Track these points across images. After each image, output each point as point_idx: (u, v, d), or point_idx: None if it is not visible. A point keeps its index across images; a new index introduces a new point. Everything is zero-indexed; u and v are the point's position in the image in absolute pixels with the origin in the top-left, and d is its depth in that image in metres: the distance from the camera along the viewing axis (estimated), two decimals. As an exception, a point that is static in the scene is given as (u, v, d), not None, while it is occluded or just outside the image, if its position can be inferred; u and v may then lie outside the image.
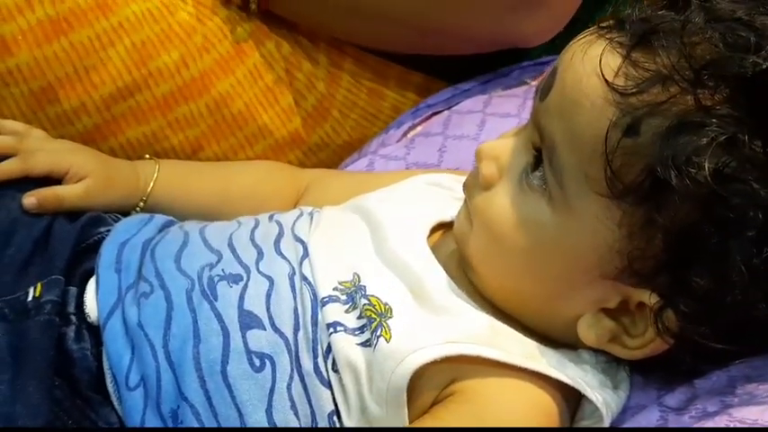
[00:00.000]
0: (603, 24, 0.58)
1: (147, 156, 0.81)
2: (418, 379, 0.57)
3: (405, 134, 0.87)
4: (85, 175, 0.73)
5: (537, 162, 0.58)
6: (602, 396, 0.58)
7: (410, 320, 0.59)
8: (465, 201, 0.63)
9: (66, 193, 0.72)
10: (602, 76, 0.54)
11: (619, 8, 0.71)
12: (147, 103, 0.84)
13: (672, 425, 0.57)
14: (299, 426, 0.59)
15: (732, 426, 0.55)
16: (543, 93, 0.59)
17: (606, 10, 0.96)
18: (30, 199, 0.70)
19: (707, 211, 0.52)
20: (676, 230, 0.53)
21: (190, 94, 0.85)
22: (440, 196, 0.70)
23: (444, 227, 0.67)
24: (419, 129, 0.87)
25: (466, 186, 0.63)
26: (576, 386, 0.58)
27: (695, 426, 0.55)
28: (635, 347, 0.58)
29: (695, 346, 0.55)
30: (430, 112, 0.88)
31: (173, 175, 0.78)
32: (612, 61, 0.54)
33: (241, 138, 0.88)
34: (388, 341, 0.58)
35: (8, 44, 0.80)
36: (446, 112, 0.86)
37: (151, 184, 0.76)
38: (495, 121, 0.82)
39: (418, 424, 0.58)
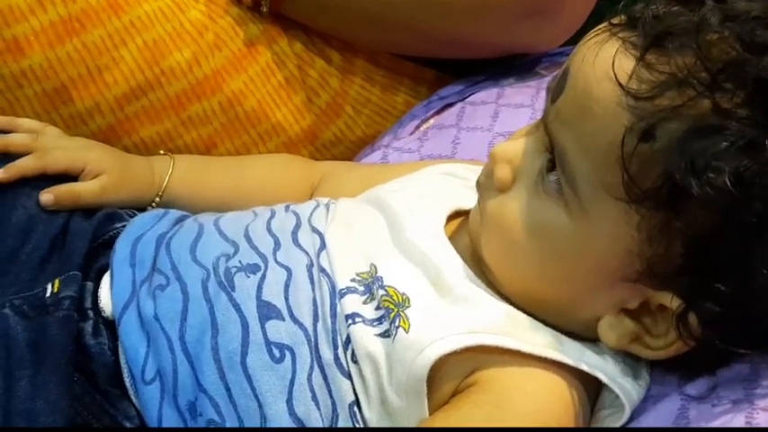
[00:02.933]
0: (615, 22, 0.56)
1: (162, 151, 0.81)
2: (438, 369, 0.57)
3: (418, 127, 0.87)
4: (101, 172, 0.73)
5: (552, 165, 0.57)
6: (623, 385, 0.58)
7: (429, 310, 0.59)
8: (478, 201, 0.62)
9: (83, 190, 0.72)
10: (616, 79, 0.53)
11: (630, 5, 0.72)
12: (159, 102, 0.84)
13: (693, 413, 0.56)
14: (320, 417, 0.59)
15: (755, 414, 0.54)
16: (554, 95, 0.58)
17: (617, 12, 0.96)
18: (47, 196, 0.70)
19: (727, 216, 0.51)
20: (696, 235, 0.52)
21: (202, 93, 0.85)
22: (455, 185, 0.70)
23: (461, 215, 0.66)
24: (432, 121, 0.87)
25: (479, 186, 0.63)
26: (597, 375, 0.57)
27: (716, 407, 0.55)
28: (658, 348, 0.57)
29: (717, 348, 0.54)
30: (442, 105, 0.88)
31: (188, 169, 0.78)
32: (626, 64, 0.53)
33: (254, 135, 0.88)
34: (407, 331, 0.58)
35: (21, 45, 0.80)
36: (459, 103, 0.86)
37: (166, 179, 0.76)
38: (508, 112, 0.82)
39: (440, 414, 0.57)
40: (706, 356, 0.56)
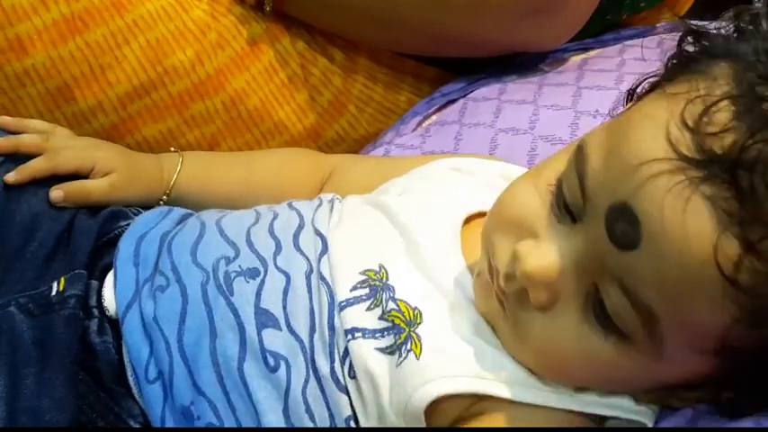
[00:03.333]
0: (687, 154, 0.47)
1: (172, 149, 0.81)
2: (441, 401, 0.56)
3: (420, 123, 0.87)
4: (111, 170, 0.73)
5: (599, 296, 0.52)
6: (643, 411, 0.57)
7: (440, 337, 0.57)
8: (500, 303, 0.56)
9: (93, 187, 0.72)
10: (721, 269, 0.46)
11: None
12: (162, 100, 0.84)
13: (703, 423, 0.56)
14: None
15: (763, 419, 0.54)
16: (619, 239, 0.49)
17: (619, 10, 0.96)
18: (56, 192, 0.70)
19: None
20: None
21: (205, 92, 0.85)
22: (463, 182, 0.68)
23: (471, 219, 0.64)
24: (434, 117, 0.87)
25: (502, 294, 0.56)
26: (617, 415, 0.56)
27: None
28: (689, 400, 0.56)
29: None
30: (444, 101, 0.88)
31: (196, 166, 0.77)
32: (729, 249, 0.46)
33: (257, 134, 0.88)
34: (417, 357, 0.56)
35: (24, 44, 0.80)
36: (461, 100, 0.86)
37: (175, 176, 0.76)
38: (510, 108, 0.82)
39: None
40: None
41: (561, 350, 0.53)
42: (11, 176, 0.70)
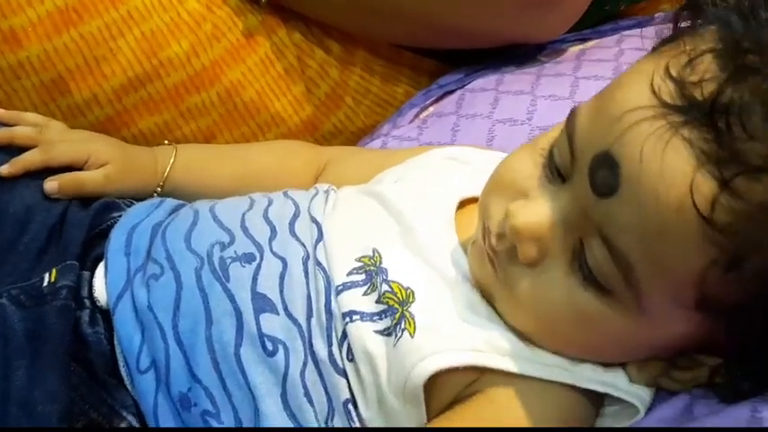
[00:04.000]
0: (668, 100, 0.48)
1: (167, 141, 0.81)
2: (438, 377, 0.56)
3: (417, 115, 0.87)
4: (105, 162, 0.73)
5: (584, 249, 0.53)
6: (635, 392, 0.57)
7: (435, 314, 0.57)
8: (491, 262, 0.57)
9: (88, 179, 0.72)
10: (697, 208, 0.47)
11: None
12: (158, 93, 0.84)
13: (699, 409, 0.56)
14: (314, 413, 0.58)
15: (758, 407, 0.53)
16: (599, 187, 0.50)
17: (617, 1, 0.96)
18: (51, 183, 0.70)
19: None
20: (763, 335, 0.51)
21: (201, 84, 0.85)
22: (458, 171, 0.68)
23: (466, 203, 0.64)
24: (431, 109, 0.86)
25: (492, 252, 0.57)
26: (609, 392, 0.56)
27: (720, 403, 0.54)
28: (684, 381, 0.56)
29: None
30: (442, 92, 0.87)
31: (190, 157, 0.77)
32: (706, 188, 0.46)
33: (253, 126, 0.88)
34: (412, 335, 0.56)
35: (18, 36, 0.80)
36: (458, 91, 0.86)
37: (168, 168, 0.76)
38: (508, 99, 0.81)
39: (435, 424, 0.56)
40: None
41: (550, 306, 0.54)
42: (4, 168, 0.70)
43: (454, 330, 0.57)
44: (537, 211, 0.54)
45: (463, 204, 0.65)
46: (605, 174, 0.50)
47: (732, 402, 0.54)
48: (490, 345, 0.56)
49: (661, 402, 0.57)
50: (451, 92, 0.87)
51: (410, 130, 0.84)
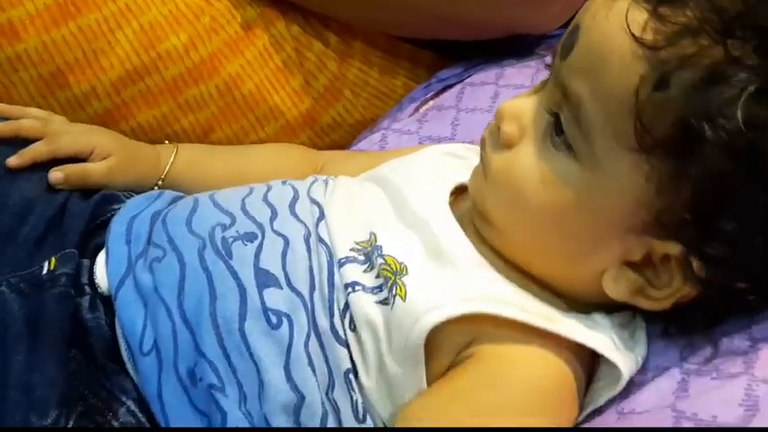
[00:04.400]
0: None
1: (167, 141, 0.82)
2: (436, 337, 0.57)
3: (417, 108, 0.87)
4: (110, 154, 0.74)
5: (559, 122, 0.58)
6: (618, 356, 0.58)
7: (426, 279, 0.59)
8: (481, 158, 0.63)
9: (92, 170, 0.73)
10: (630, 31, 0.54)
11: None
12: (156, 86, 0.84)
13: (693, 386, 0.56)
14: (316, 383, 0.59)
15: (754, 386, 0.54)
16: (564, 51, 0.58)
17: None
18: (56, 174, 0.71)
19: (738, 160, 0.52)
20: (705, 179, 0.53)
21: (199, 76, 0.85)
22: (455, 164, 0.70)
23: (462, 190, 0.66)
24: (431, 103, 0.87)
25: (482, 143, 0.63)
26: (592, 347, 0.58)
27: (715, 380, 0.55)
28: (661, 298, 0.58)
29: (721, 292, 0.56)
30: (442, 86, 0.87)
31: (191, 155, 0.79)
32: (639, 16, 0.54)
33: (252, 119, 0.88)
34: (403, 299, 0.58)
35: (16, 29, 0.80)
36: (458, 85, 0.86)
37: (170, 162, 0.77)
38: (508, 93, 0.82)
39: (437, 386, 0.58)
40: (709, 306, 0.57)
41: (521, 175, 0.59)
42: (12, 160, 0.71)
43: (442, 287, 0.59)
44: (521, 99, 0.61)
45: (459, 192, 0.66)
46: (570, 39, 0.58)
47: (719, 322, 0.57)
48: (479, 295, 0.58)
49: (653, 379, 0.58)
50: (451, 86, 0.87)
51: (410, 124, 0.84)
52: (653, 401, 0.56)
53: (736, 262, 0.54)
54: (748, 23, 0.53)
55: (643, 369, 0.59)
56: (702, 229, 0.54)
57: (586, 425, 0.58)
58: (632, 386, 0.58)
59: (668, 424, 0.54)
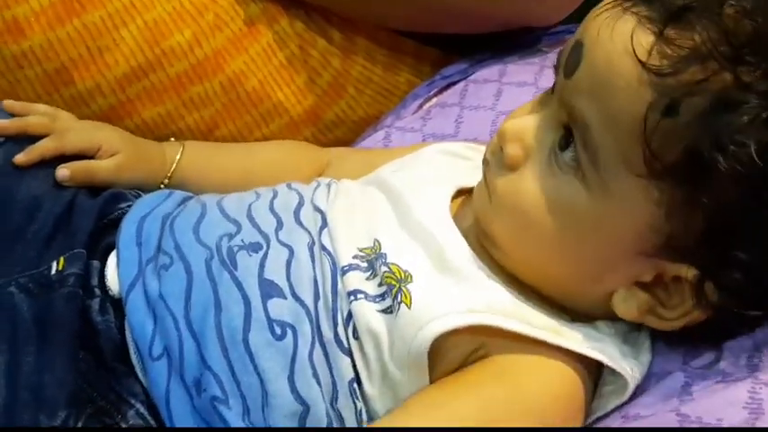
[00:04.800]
0: None
1: (173, 139, 0.82)
2: (441, 345, 0.57)
3: (420, 106, 0.87)
4: (117, 151, 0.74)
5: (566, 140, 0.57)
6: (623, 366, 0.58)
7: (431, 287, 0.59)
8: (484, 178, 0.62)
9: (99, 167, 0.73)
10: (636, 55, 0.52)
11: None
12: (161, 83, 0.84)
13: (696, 390, 0.56)
14: (321, 393, 0.59)
15: (758, 388, 0.54)
16: (568, 69, 0.57)
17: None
18: (62, 171, 0.71)
19: (751, 189, 0.52)
20: (718, 208, 0.52)
21: (204, 73, 0.85)
22: (456, 164, 0.69)
23: (463, 194, 0.66)
24: (435, 100, 0.87)
25: (485, 164, 0.62)
26: (598, 358, 0.57)
27: (719, 383, 0.55)
28: (672, 319, 0.57)
29: (732, 318, 0.55)
30: (445, 84, 0.87)
31: (196, 154, 0.79)
32: (644, 39, 0.53)
33: (256, 116, 0.88)
34: (409, 307, 0.58)
35: (21, 26, 0.80)
36: (462, 82, 0.86)
37: (176, 161, 0.77)
38: (511, 91, 0.82)
39: (440, 381, 0.58)
40: (717, 326, 0.56)
41: (528, 200, 0.58)
42: (20, 157, 0.71)
43: (448, 296, 0.59)
44: (523, 118, 0.60)
45: (460, 194, 0.66)
46: (573, 56, 0.57)
47: (724, 340, 0.56)
48: (486, 305, 0.58)
49: (657, 382, 0.58)
50: (455, 83, 0.87)
51: (413, 121, 0.84)
52: (657, 405, 0.56)
53: (749, 290, 0.54)
54: (758, 48, 0.51)
55: (647, 372, 0.59)
56: (715, 254, 0.53)
57: (592, 428, 0.59)
58: (636, 390, 0.58)
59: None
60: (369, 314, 0.59)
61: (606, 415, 0.58)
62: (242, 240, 0.63)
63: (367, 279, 0.61)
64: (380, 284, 0.60)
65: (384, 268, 0.60)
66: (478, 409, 0.56)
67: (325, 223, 0.64)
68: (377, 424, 0.59)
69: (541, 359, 0.57)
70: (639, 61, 0.52)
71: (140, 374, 0.62)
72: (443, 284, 0.59)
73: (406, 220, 0.63)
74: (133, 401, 0.61)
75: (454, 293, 0.59)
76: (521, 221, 0.58)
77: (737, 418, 0.53)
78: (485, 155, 0.62)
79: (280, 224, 0.65)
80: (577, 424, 0.58)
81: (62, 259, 0.65)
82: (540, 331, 0.57)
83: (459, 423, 0.55)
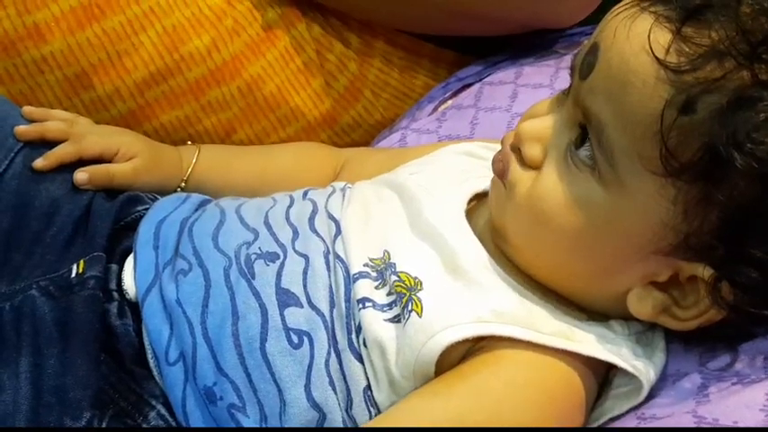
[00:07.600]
0: None
1: (189, 142, 0.83)
2: (449, 353, 0.57)
3: (436, 108, 0.87)
4: (135, 155, 0.75)
5: (583, 138, 0.57)
6: (638, 366, 0.58)
7: (442, 294, 0.59)
8: (503, 174, 0.61)
9: (117, 171, 0.74)
10: (653, 53, 0.53)
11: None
12: (179, 87, 0.85)
13: (713, 391, 0.56)
14: (337, 401, 0.59)
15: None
16: (584, 71, 0.57)
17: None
18: (81, 175, 0.72)
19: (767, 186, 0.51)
20: (734, 206, 0.52)
21: (222, 78, 0.86)
22: (472, 165, 0.69)
23: (479, 197, 0.66)
24: (450, 102, 0.87)
25: (500, 165, 0.62)
26: (616, 362, 0.57)
27: (735, 385, 0.55)
28: (687, 319, 0.57)
29: (748, 318, 0.55)
30: (461, 86, 0.87)
31: (213, 156, 0.79)
32: (662, 37, 0.53)
33: (273, 120, 0.88)
34: (420, 315, 0.58)
35: (42, 31, 0.81)
36: (477, 84, 0.86)
37: (192, 164, 0.77)
38: (526, 92, 0.82)
39: (437, 381, 0.58)
40: (733, 327, 0.56)
41: (546, 199, 0.58)
42: (39, 162, 0.71)
43: (459, 304, 0.59)
44: (540, 119, 0.61)
45: (476, 199, 0.66)
46: (589, 58, 0.57)
47: (741, 341, 0.56)
48: (495, 313, 0.58)
49: (673, 384, 0.58)
50: (470, 85, 0.87)
51: (429, 123, 0.84)
52: (673, 406, 0.56)
53: (766, 289, 0.53)
54: None
55: (663, 373, 0.58)
56: (732, 253, 0.53)
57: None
58: (652, 390, 0.58)
59: (689, 429, 0.54)
60: (375, 323, 0.59)
61: (621, 415, 0.58)
62: (259, 249, 0.64)
63: (376, 288, 0.61)
64: (390, 293, 0.60)
65: (394, 277, 0.60)
66: (475, 396, 0.56)
67: (339, 231, 0.64)
68: (378, 418, 0.59)
69: (548, 359, 0.57)
70: (657, 59, 0.52)
71: (158, 378, 0.62)
72: (454, 289, 0.59)
73: (418, 222, 0.63)
74: (154, 403, 0.61)
75: (465, 299, 0.59)
76: (538, 219, 0.58)
77: (754, 420, 0.53)
78: (499, 156, 0.62)
79: (296, 234, 0.65)
80: (577, 420, 0.58)
81: (82, 262, 0.66)
82: (549, 338, 0.57)
83: (455, 411, 0.56)
